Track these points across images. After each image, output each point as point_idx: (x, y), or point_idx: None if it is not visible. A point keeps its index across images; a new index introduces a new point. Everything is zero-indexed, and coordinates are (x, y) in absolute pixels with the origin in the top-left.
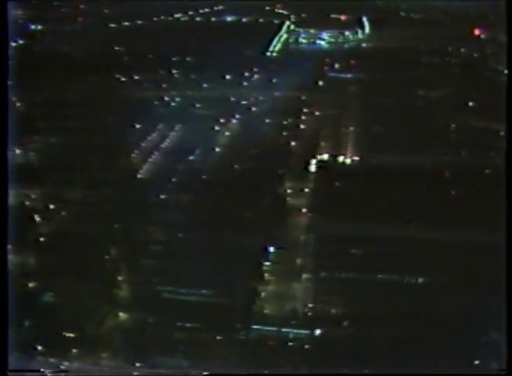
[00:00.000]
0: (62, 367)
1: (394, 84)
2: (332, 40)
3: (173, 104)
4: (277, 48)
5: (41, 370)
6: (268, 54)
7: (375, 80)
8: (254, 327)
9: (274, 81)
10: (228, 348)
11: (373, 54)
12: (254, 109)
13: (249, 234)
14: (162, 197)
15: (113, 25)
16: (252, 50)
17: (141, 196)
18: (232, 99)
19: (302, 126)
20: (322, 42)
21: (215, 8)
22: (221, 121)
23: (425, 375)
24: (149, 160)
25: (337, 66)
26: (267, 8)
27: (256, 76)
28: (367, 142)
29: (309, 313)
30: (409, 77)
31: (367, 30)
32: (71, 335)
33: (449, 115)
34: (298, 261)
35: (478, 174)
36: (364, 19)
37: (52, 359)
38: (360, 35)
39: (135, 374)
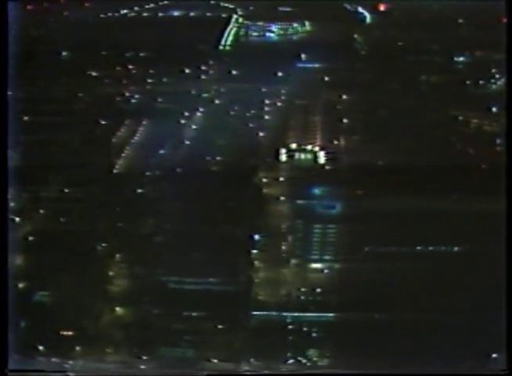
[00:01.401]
0: (65, 366)
1: (354, 73)
2: (281, 32)
3: (134, 101)
4: (229, 42)
5: (43, 369)
6: (221, 47)
7: (336, 69)
8: (254, 313)
9: (232, 73)
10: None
11: (333, 44)
12: (216, 101)
13: (232, 224)
14: (140, 190)
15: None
16: (204, 44)
17: (119, 190)
18: (193, 92)
19: (267, 117)
20: (272, 34)
21: (160, 3)
22: (186, 114)
23: (425, 375)
24: (123, 155)
25: (292, 56)
26: (212, 2)
27: (213, 69)
28: (334, 131)
29: (302, 297)
30: (369, 66)
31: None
32: (72, 333)
33: (415, 103)
34: (284, 247)
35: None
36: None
37: (54, 359)
38: (308, 27)
39: (140, 368)
